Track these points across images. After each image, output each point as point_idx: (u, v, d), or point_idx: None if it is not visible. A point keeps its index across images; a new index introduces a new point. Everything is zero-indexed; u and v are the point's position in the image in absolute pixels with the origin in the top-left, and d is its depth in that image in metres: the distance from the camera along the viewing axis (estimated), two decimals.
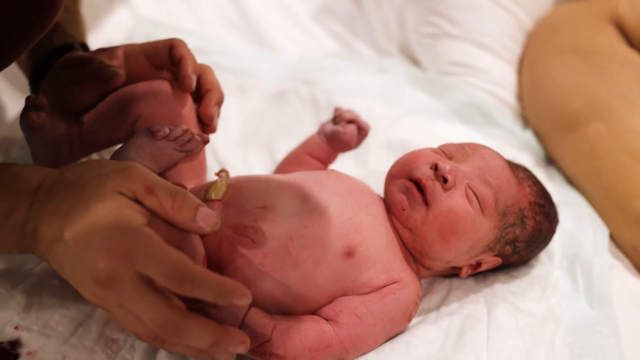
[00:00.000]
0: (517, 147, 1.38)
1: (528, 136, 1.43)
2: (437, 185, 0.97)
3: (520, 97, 1.51)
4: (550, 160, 1.40)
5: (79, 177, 0.80)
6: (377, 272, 0.94)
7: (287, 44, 1.63)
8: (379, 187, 1.10)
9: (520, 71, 1.53)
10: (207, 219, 0.80)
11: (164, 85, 1.03)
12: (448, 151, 1.03)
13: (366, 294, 0.94)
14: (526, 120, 1.49)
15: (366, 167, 1.30)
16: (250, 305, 0.86)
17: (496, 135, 1.39)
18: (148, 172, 0.81)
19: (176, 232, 0.81)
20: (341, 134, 1.11)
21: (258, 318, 0.86)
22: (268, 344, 0.86)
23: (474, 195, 0.98)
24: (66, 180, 0.81)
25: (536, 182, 1.09)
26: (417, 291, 0.98)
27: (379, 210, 1.00)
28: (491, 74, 1.51)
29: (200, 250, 0.85)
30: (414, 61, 1.65)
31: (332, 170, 1.09)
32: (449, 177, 0.96)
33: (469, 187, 0.98)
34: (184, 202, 0.80)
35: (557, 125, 1.37)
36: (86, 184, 0.79)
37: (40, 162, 0.98)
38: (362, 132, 1.12)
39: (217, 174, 0.97)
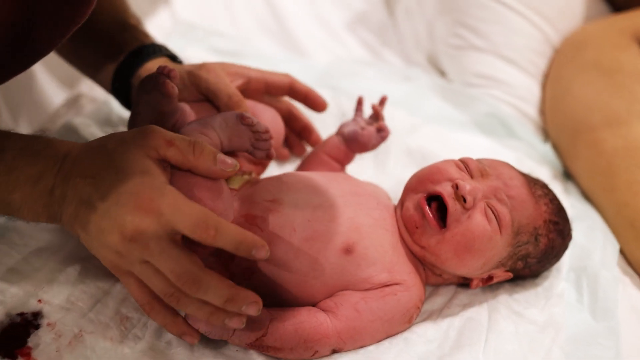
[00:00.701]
0: (537, 160, 1.40)
1: (547, 150, 1.44)
2: (458, 206, 0.98)
3: (542, 111, 1.53)
4: (568, 175, 1.41)
5: (104, 144, 0.86)
6: (378, 270, 0.97)
7: (318, 51, 1.67)
8: (395, 191, 1.13)
9: (544, 85, 1.55)
10: (225, 162, 0.87)
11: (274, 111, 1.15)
12: (469, 167, 1.04)
13: (367, 290, 0.97)
14: (547, 134, 1.50)
15: (385, 170, 1.33)
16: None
17: (516, 147, 1.41)
18: (166, 130, 0.87)
19: (207, 185, 0.88)
20: (359, 135, 1.13)
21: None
22: (265, 337, 0.90)
23: (492, 214, 0.99)
24: (91, 147, 0.86)
25: (553, 200, 1.09)
26: (419, 295, 1.00)
27: (383, 215, 1.02)
28: (515, 87, 1.53)
29: (229, 215, 0.91)
30: (441, 72, 1.67)
31: (342, 173, 1.13)
32: (469, 198, 0.97)
33: (487, 205, 0.99)
34: (202, 149, 0.87)
35: (575, 139, 1.38)
36: (112, 149, 0.85)
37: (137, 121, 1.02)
38: (381, 133, 1.14)
39: (243, 171, 1.03)
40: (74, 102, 1.43)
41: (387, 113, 1.28)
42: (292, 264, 0.94)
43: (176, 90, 0.96)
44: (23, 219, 0.87)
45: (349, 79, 1.52)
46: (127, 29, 1.18)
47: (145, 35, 1.19)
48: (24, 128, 1.46)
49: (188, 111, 1.04)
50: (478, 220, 0.98)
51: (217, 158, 0.87)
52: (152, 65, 1.12)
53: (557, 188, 1.32)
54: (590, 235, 1.22)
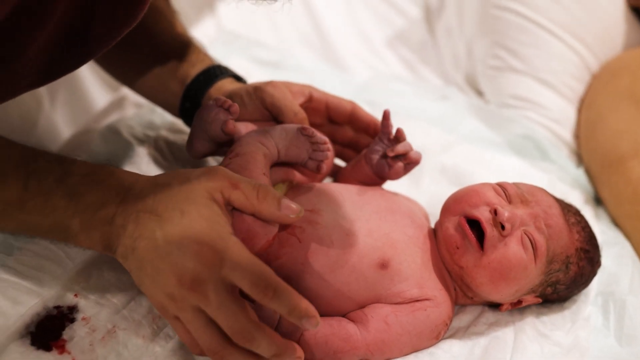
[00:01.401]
0: (569, 183, 1.41)
1: (580, 174, 1.45)
2: (496, 232, 0.98)
3: (577, 135, 1.53)
4: (599, 200, 1.42)
5: (169, 182, 0.86)
6: (410, 285, 0.99)
7: (358, 66, 1.69)
8: (429, 206, 1.15)
9: (579, 110, 1.55)
10: (290, 207, 0.87)
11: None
12: (507, 192, 1.04)
13: (398, 304, 0.98)
14: (580, 158, 1.51)
15: (419, 187, 1.34)
16: None
17: (549, 170, 1.42)
18: (231, 172, 0.88)
19: (261, 225, 0.89)
20: (386, 172, 1.11)
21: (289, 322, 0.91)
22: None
23: (529, 242, 0.99)
24: (157, 183, 0.87)
25: (585, 227, 1.09)
26: (448, 312, 1.01)
27: (417, 233, 1.03)
28: (551, 110, 1.54)
29: (273, 227, 0.92)
30: (478, 92, 1.68)
31: (379, 188, 1.13)
32: (507, 226, 0.97)
33: (525, 233, 0.99)
34: (267, 194, 0.87)
35: (605, 166, 1.39)
36: (178, 189, 0.85)
37: (196, 147, 1.03)
38: (409, 166, 1.11)
39: (283, 181, 1.05)
40: (118, 104, 1.45)
41: (423, 130, 1.29)
42: (328, 276, 0.96)
43: (238, 129, 0.97)
44: (79, 246, 0.88)
45: (387, 95, 1.54)
46: (192, 51, 1.20)
47: (208, 56, 1.21)
48: (66, 126, 1.50)
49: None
50: (514, 248, 0.98)
51: (282, 204, 0.87)
52: (220, 85, 1.14)
53: (588, 213, 1.33)
54: (619, 262, 1.22)
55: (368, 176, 1.12)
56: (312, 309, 0.81)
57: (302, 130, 0.99)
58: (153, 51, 1.19)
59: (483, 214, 0.99)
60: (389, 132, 1.09)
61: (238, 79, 1.19)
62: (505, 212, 0.98)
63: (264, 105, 1.07)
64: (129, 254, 0.84)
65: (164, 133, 1.33)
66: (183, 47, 1.21)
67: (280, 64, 1.56)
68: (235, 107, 0.97)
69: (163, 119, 1.36)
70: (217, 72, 1.16)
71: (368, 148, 1.12)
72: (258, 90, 1.08)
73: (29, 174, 0.85)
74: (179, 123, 1.34)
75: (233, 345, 0.82)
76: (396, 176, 1.11)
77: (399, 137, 1.08)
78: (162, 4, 1.22)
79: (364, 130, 1.16)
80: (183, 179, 0.87)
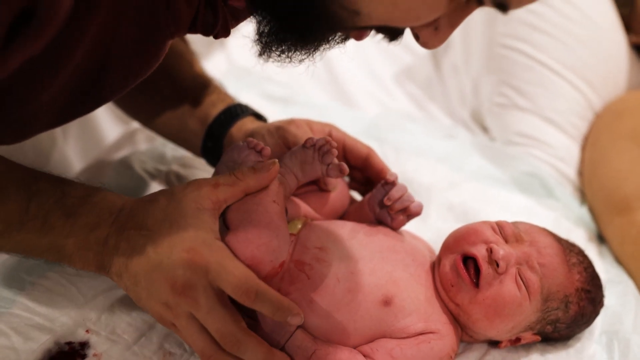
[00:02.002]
0: (573, 221, 1.42)
1: (584, 212, 1.46)
2: (491, 270, 1.00)
3: (581, 174, 1.55)
4: (602, 238, 1.43)
5: (157, 198, 0.90)
6: (414, 320, 1.00)
7: (366, 102, 1.71)
8: (435, 242, 1.15)
9: (583, 148, 1.57)
10: (264, 166, 0.92)
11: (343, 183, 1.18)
12: (504, 232, 1.06)
13: (403, 338, 0.99)
14: (584, 196, 1.52)
15: (426, 223, 1.35)
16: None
17: (554, 207, 1.43)
18: (209, 178, 0.92)
19: (266, 251, 0.91)
20: (388, 222, 1.11)
21: (302, 340, 0.94)
22: None
23: (522, 282, 1.01)
24: (145, 201, 0.90)
25: (587, 268, 1.10)
26: (452, 345, 1.02)
27: (418, 271, 1.05)
28: (555, 148, 1.56)
29: (283, 253, 0.94)
30: (484, 128, 1.70)
31: (384, 228, 1.13)
32: (501, 264, 0.99)
33: (518, 272, 1.01)
34: (241, 171, 0.91)
35: (609, 206, 1.40)
36: (165, 204, 0.88)
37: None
38: (410, 217, 1.11)
39: (299, 218, 1.07)
40: (129, 137, 1.48)
41: (430, 167, 1.30)
42: (334, 313, 0.97)
43: (269, 151, 0.99)
44: (72, 266, 0.90)
45: (395, 132, 1.56)
46: (212, 90, 1.23)
47: (228, 94, 1.24)
48: (78, 159, 1.51)
49: None
50: (509, 286, 1.00)
51: (255, 167, 0.92)
52: (241, 124, 1.16)
53: (592, 251, 1.34)
54: (623, 300, 1.23)
55: (372, 222, 1.13)
56: (295, 307, 0.86)
57: (305, 144, 1.00)
58: (173, 92, 1.22)
59: (480, 252, 1.01)
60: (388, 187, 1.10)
61: (258, 116, 1.21)
62: (500, 251, 1.00)
63: (286, 144, 1.09)
64: (122, 271, 0.87)
65: (175, 167, 1.35)
66: (203, 87, 1.23)
67: (290, 99, 1.58)
68: (268, 150, 0.99)
69: (174, 153, 1.38)
70: (237, 110, 1.19)
71: (370, 195, 1.13)
72: (280, 130, 1.10)
73: (30, 196, 0.86)
74: (189, 158, 1.36)
75: (226, 351, 0.85)
76: (398, 226, 1.12)
77: (391, 205, 1.09)
78: (182, 46, 1.24)
79: (374, 177, 1.17)
80: (169, 194, 0.90)
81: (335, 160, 1.00)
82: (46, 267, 1.05)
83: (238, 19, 0.94)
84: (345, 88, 1.75)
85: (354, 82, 1.77)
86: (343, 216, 1.18)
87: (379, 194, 1.11)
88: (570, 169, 1.55)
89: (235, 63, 1.74)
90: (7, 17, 0.66)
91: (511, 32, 1.62)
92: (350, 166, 1.16)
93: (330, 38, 0.83)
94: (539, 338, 1.09)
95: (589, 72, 1.59)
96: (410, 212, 1.10)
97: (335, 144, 0.99)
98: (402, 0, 0.75)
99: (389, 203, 1.08)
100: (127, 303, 1.03)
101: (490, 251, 1.00)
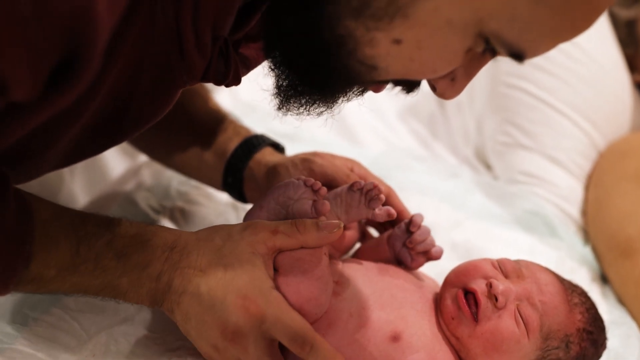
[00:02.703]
0: (577, 261, 1.42)
1: (588, 252, 1.46)
2: (490, 304, 1.00)
3: (585, 213, 1.55)
4: (606, 279, 1.43)
5: (211, 238, 0.90)
6: (422, 357, 1.00)
7: (370, 139, 1.72)
8: (440, 279, 1.16)
9: (587, 188, 1.58)
10: (329, 224, 0.92)
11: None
12: (505, 268, 1.06)
13: None
14: (588, 236, 1.53)
15: (430, 262, 1.35)
16: None
17: (558, 247, 1.43)
18: (269, 221, 0.92)
19: (309, 254, 0.92)
20: (408, 262, 1.12)
21: None
22: None
23: (521, 318, 1.01)
24: (199, 239, 0.91)
25: (589, 309, 1.10)
26: None
27: (425, 308, 1.05)
28: (559, 187, 1.56)
29: (325, 306, 0.95)
30: (487, 165, 1.71)
31: (393, 267, 1.13)
32: (500, 298, 1.00)
33: (518, 308, 1.01)
34: (304, 224, 0.91)
35: (612, 247, 1.41)
36: (221, 245, 0.89)
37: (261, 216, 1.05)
38: (430, 260, 1.13)
39: None
40: (135, 172, 1.48)
41: (434, 206, 1.31)
42: (345, 349, 0.97)
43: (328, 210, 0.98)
44: (127, 302, 0.91)
45: (399, 170, 1.57)
46: (228, 125, 1.24)
47: (243, 127, 1.25)
48: (83, 193, 1.52)
49: None
50: (507, 322, 1.00)
51: (320, 224, 0.91)
52: (261, 157, 1.17)
53: (596, 291, 1.34)
54: (626, 342, 1.23)
55: (388, 259, 1.14)
56: None
57: (351, 187, 1.00)
58: (190, 130, 1.23)
59: (479, 286, 1.02)
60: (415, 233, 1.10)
61: (276, 145, 1.22)
62: (499, 286, 1.00)
63: (312, 175, 1.10)
64: (174, 308, 0.88)
65: (179, 204, 1.36)
66: (218, 122, 1.24)
67: (295, 136, 1.59)
68: (324, 190, 0.99)
69: (179, 189, 1.39)
70: (254, 142, 1.19)
71: (391, 233, 1.14)
72: (306, 162, 1.12)
73: (79, 239, 0.87)
74: (194, 194, 1.37)
75: None
76: (417, 267, 1.13)
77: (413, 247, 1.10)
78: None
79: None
80: (225, 234, 0.91)
81: (382, 206, 1.00)
82: (50, 303, 1.05)
83: (249, 67, 0.96)
84: (350, 125, 1.76)
85: (358, 118, 1.78)
86: (358, 252, 1.19)
87: (400, 232, 1.12)
88: (574, 209, 1.56)
89: (240, 100, 1.76)
90: (47, 65, 0.67)
91: (515, 71, 1.63)
92: None
93: (348, 92, 0.84)
94: None
95: (592, 111, 1.60)
96: (430, 256, 1.11)
97: (383, 189, 1.00)
98: (419, 55, 0.76)
99: (412, 245, 1.09)
100: (130, 339, 1.03)
101: (489, 286, 1.01)
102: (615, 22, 1.76)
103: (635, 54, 1.76)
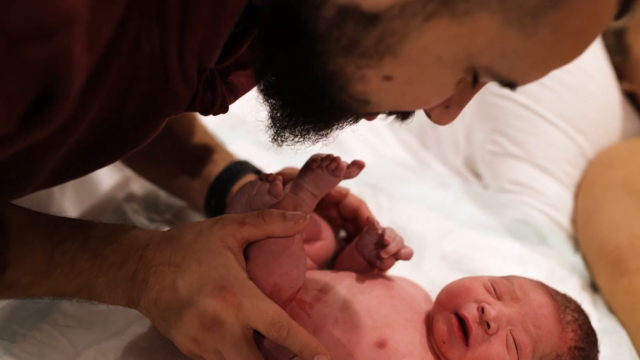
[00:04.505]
0: (568, 269, 1.42)
1: (578, 260, 1.46)
2: (481, 330, 1.00)
3: (574, 221, 1.56)
4: (596, 287, 1.43)
5: (182, 235, 0.92)
6: None
7: (360, 148, 1.72)
8: (431, 291, 1.16)
9: (576, 197, 1.58)
10: (295, 216, 0.92)
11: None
12: (498, 289, 1.05)
13: None
14: (578, 244, 1.53)
15: (420, 271, 1.35)
16: None
17: (548, 255, 1.43)
18: (235, 214, 0.94)
19: (287, 279, 0.94)
20: (378, 265, 1.13)
21: None
22: None
23: (513, 343, 1.01)
24: (171, 237, 0.92)
25: (582, 325, 1.09)
26: None
27: (414, 317, 1.06)
28: (548, 196, 1.57)
29: (300, 279, 0.96)
30: (477, 176, 1.72)
31: (381, 274, 1.15)
32: (493, 325, 0.99)
33: (510, 333, 1.01)
34: (270, 214, 0.92)
35: (601, 256, 1.41)
36: (192, 240, 0.90)
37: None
38: (398, 259, 1.13)
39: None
40: (123, 186, 1.48)
41: (423, 216, 1.30)
42: (331, 354, 0.96)
43: (282, 192, 1.02)
44: (104, 303, 0.92)
45: (388, 179, 1.57)
46: (214, 149, 1.26)
47: (229, 153, 1.28)
48: (73, 206, 1.52)
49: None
50: (497, 348, 0.99)
51: (286, 215, 0.92)
52: (242, 182, 1.18)
53: (586, 299, 1.34)
54: (616, 351, 1.23)
55: (363, 265, 1.15)
56: (322, 348, 0.89)
57: (311, 167, 1.02)
58: (177, 153, 1.26)
59: (471, 312, 1.01)
60: (379, 236, 1.12)
61: (259, 172, 1.24)
62: (492, 312, 0.99)
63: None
64: (151, 306, 0.89)
65: (168, 217, 1.36)
66: (205, 147, 1.27)
67: (283, 148, 1.59)
68: (279, 178, 1.01)
69: (167, 202, 1.39)
70: (238, 169, 1.22)
71: (359, 241, 1.15)
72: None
73: (54, 244, 0.88)
74: (183, 207, 1.37)
75: None
76: (387, 268, 1.14)
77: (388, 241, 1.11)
78: None
79: (350, 219, 1.21)
80: (196, 230, 0.92)
81: (345, 167, 1.03)
82: (38, 319, 1.05)
83: (237, 95, 0.97)
84: (339, 135, 1.75)
85: (348, 129, 1.77)
86: (336, 264, 1.20)
87: (367, 239, 1.13)
88: (564, 217, 1.56)
89: (230, 112, 1.75)
90: (21, 104, 0.67)
91: None
92: (343, 218, 1.20)
93: (342, 122, 0.86)
94: None
95: (581, 120, 1.61)
96: (400, 257, 1.12)
97: (338, 156, 1.02)
98: (411, 90, 0.77)
99: (386, 256, 1.10)
100: (119, 354, 1.03)
101: (481, 310, 1.00)
102: (604, 31, 1.76)
103: (623, 62, 1.76)
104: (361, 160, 1.03)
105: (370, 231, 1.13)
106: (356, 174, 1.04)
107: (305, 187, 1.02)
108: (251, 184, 1.04)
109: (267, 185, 1.01)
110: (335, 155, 1.02)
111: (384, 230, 1.11)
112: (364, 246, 1.14)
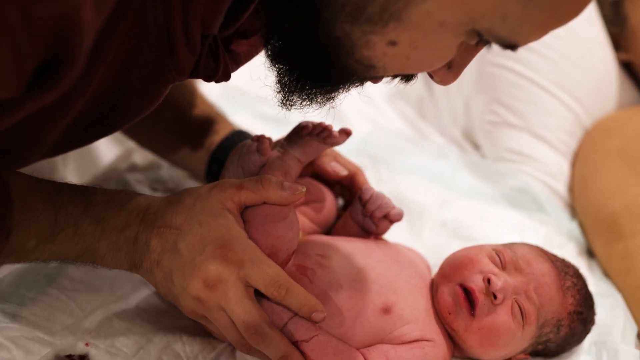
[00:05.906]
0: (565, 235, 1.44)
1: (574, 227, 1.48)
2: (488, 301, 1.01)
3: (571, 189, 1.58)
4: (592, 253, 1.45)
5: (182, 199, 0.94)
6: (411, 329, 1.02)
7: (359, 120, 1.73)
8: (430, 258, 1.18)
9: (573, 165, 1.60)
10: (292, 186, 0.95)
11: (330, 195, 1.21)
12: (502, 258, 1.06)
13: (399, 344, 1.01)
14: (574, 211, 1.55)
15: (420, 238, 1.38)
16: None
17: (545, 222, 1.45)
18: (234, 179, 0.96)
19: (283, 240, 0.96)
20: (373, 229, 1.15)
21: (304, 324, 0.95)
22: (306, 343, 0.95)
23: (518, 310, 1.03)
24: (171, 201, 0.94)
25: (580, 290, 1.11)
26: (445, 355, 1.04)
27: (419, 283, 1.07)
28: (545, 165, 1.58)
29: (294, 244, 0.98)
30: (475, 145, 1.73)
31: (383, 241, 1.16)
32: (499, 296, 1.01)
33: (515, 301, 1.03)
34: (269, 181, 0.94)
35: (597, 222, 1.43)
36: (191, 204, 0.92)
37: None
38: (393, 222, 1.14)
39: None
40: (126, 157, 1.49)
41: (423, 186, 1.31)
42: (335, 319, 0.99)
43: (270, 150, 1.04)
44: (107, 267, 0.94)
45: (388, 150, 1.59)
46: (215, 119, 1.28)
47: (229, 123, 1.30)
48: (75, 179, 1.53)
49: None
50: (504, 317, 1.01)
51: (284, 185, 0.94)
52: None
53: (582, 265, 1.36)
54: (612, 313, 1.25)
55: (358, 232, 1.16)
56: (320, 305, 0.91)
57: (301, 133, 1.05)
58: (178, 122, 1.27)
59: (477, 284, 1.02)
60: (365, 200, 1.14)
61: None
62: (498, 283, 1.01)
63: None
64: (154, 267, 0.91)
65: (171, 186, 1.38)
66: (207, 116, 1.29)
67: (283, 119, 1.58)
68: (268, 138, 1.04)
69: (170, 172, 1.41)
70: (240, 137, 1.24)
71: (351, 208, 1.17)
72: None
73: (57, 208, 0.89)
74: (185, 176, 1.38)
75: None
76: (383, 232, 1.15)
77: (371, 213, 1.13)
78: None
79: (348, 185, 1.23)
80: (195, 194, 0.94)
81: (336, 134, 1.06)
82: (45, 283, 1.07)
83: (239, 63, 0.99)
84: (338, 107, 1.76)
85: (346, 100, 1.78)
86: (330, 231, 1.21)
87: (357, 205, 1.15)
88: (561, 185, 1.58)
89: (229, 84, 1.76)
90: (30, 66, 0.68)
91: (502, 51, 1.63)
92: (340, 185, 1.22)
93: (348, 85, 0.88)
94: (529, 357, 1.11)
95: (578, 89, 1.62)
96: (391, 218, 1.14)
97: (330, 124, 1.05)
98: (415, 54, 0.79)
99: (368, 213, 1.12)
100: (126, 317, 1.05)
101: (487, 281, 1.01)
102: (601, 1, 1.78)
103: (620, 32, 1.78)
104: (348, 127, 1.06)
105: (361, 196, 1.14)
106: (343, 141, 1.07)
107: (292, 154, 1.05)
108: (243, 145, 1.06)
109: (256, 144, 1.04)
110: (323, 123, 1.05)
111: (371, 193, 1.13)
112: (357, 212, 1.15)
